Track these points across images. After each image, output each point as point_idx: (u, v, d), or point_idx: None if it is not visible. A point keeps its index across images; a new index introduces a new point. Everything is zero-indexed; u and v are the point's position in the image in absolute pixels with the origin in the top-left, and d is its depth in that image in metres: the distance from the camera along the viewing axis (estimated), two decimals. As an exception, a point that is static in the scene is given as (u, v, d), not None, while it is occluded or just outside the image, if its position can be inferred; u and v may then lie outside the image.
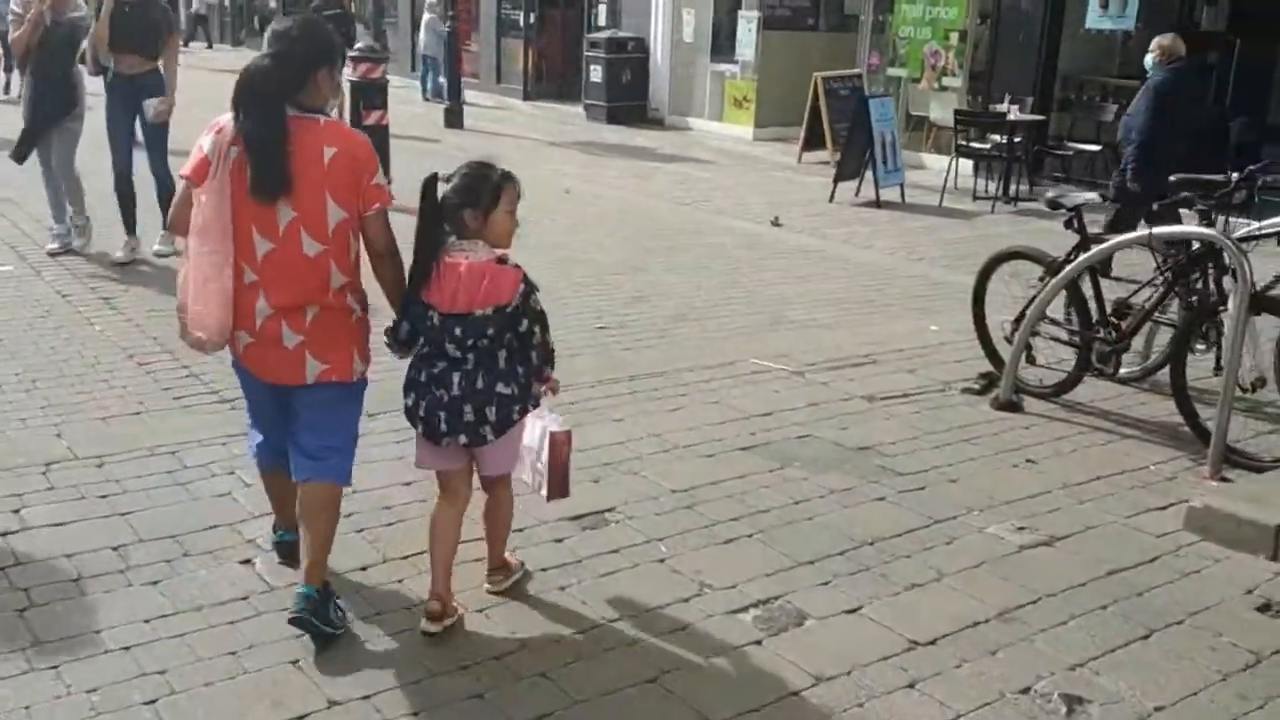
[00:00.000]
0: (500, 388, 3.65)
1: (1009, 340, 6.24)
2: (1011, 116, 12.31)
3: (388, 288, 3.75)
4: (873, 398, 6.16)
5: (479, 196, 3.60)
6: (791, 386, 6.32)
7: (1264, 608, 4.15)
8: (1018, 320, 6.20)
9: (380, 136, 11.33)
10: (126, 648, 3.63)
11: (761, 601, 4.06)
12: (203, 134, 3.59)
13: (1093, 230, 6.24)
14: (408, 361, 3.79)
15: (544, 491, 4.12)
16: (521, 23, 22.12)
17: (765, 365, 6.62)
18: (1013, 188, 12.52)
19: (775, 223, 11.01)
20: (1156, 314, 6.16)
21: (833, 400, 6.10)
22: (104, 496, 4.64)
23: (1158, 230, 5.49)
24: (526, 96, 21.94)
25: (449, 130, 17.40)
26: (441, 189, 3.63)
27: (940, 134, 14.71)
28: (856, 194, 12.40)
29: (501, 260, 3.64)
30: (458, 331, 3.58)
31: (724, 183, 13.51)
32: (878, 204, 12.04)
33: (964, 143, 12.54)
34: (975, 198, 12.50)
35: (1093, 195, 6.12)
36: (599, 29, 20.12)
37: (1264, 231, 5.80)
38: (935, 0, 14.56)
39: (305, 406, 3.73)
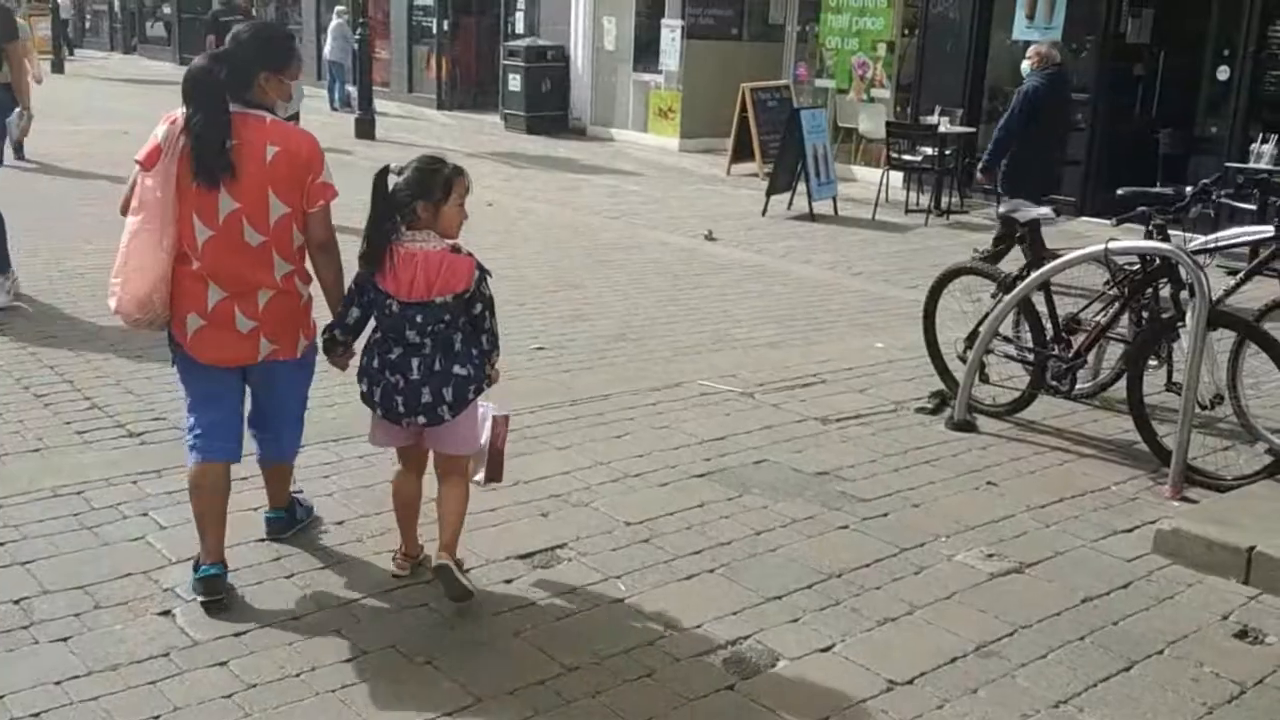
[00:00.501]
0: (456, 369, 3.85)
1: (962, 359, 6.10)
2: (942, 129, 12.27)
3: (326, 281, 3.99)
4: (826, 419, 5.98)
5: (431, 189, 3.80)
6: (742, 409, 6.12)
7: (1242, 634, 4.03)
8: (970, 338, 6.07)
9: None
10: (35, 715, 3.29)
11: (730, 642, 3.83)
12: (158, 124, 3.82)
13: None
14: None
15: (480, 476, 4.21)
16: (434, 30, 21.78)
17: (713, 386, 6.41)
18: (944, 200, 12.49)
19: (709, 237, 10.84)
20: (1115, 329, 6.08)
21: (786, 423, 5.91)
22: (1, 544, 4.27)
23: (1113, 245, 5.38)
24: (440, 106, 21.61)
25: (360, 141, 17.02)
26: (393, 180, 3.83)
27: (870, 146, 14.68)
28: (789, 207, 12.28)
29: (455, 249, 3.85)
30: (418, 319, 3.79)
31: (654, 195, 13.32)
32: (811, 217, 11.93)
33: (896, 155, 12.48)
34: (908, 210, 12.45)
35: (1046, 210, 6.01)
36: (516, 37, 19.86)
37: (1217, 245, 5.73)
38: (862, 10, 14.54)
39: (257, 387, 4.05)
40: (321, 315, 4.09)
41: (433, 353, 3.82)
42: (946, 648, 3.84)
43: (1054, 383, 5.78)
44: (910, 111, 13.75)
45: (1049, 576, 4.37)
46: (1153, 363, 5.91)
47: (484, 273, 3.87)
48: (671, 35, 17.11)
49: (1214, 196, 5.52)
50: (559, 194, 13.20)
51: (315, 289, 4.06)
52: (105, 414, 5.64)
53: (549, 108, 18.84)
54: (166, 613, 3.87)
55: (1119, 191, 6.11)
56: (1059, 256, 5.70)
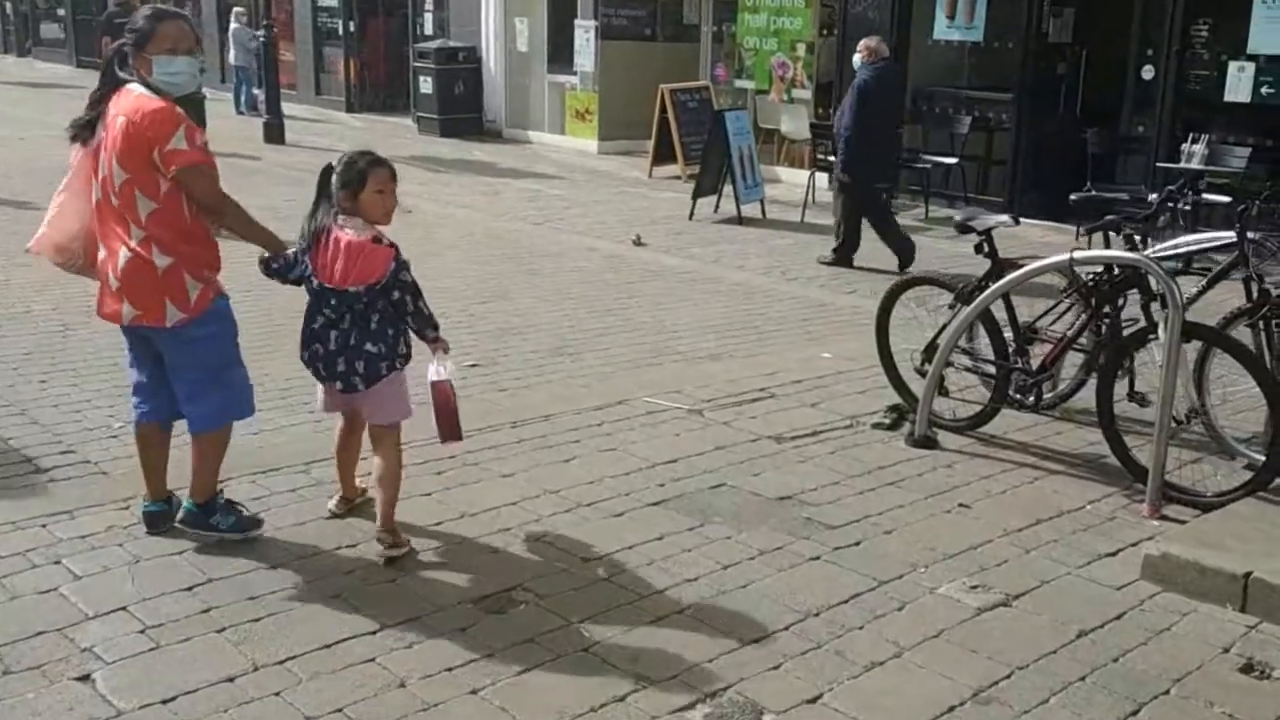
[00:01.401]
0: (368, 347, 4.16)
1: (919, 372, 5.85)
2: (870, 130, 12.06)
3: (237, 233, 4.22)
4: (781, 438, 5.68)
5: (350, 179, 4.13)
6: (691, 427, 5.80)
7: (1248, 668, 3.80)
8: (928, 350, 5.82)
9: (203, 155, 10.33)
10: (-67, 815, 2.85)
11: (709, 695, 3.50)
12: None
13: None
14: None
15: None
16: (341, 31, 21.18)
17: (660, 404, 6.08)
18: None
19: (638, 242, 10.51)
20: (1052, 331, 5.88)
21: (739, 442, 5.60)
22: (-105, 604, 3.80)
23: (1079, 254, 5.15)
24: (350, 108, 21.05)
25: (270, 146, 16.43)
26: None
27: (793, 147, 14.49)
28: (715, 210, 12.00)
29: (376, 239, 4.12)
30: (333, 301, 4.14)
31: (577, 199, 12.95)
32: (739, 220, 11.66)
33: (822, 156, 12.27)
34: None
35: (1005, 218, 5.76)
36: (426, 38, 19.34)
37: (1177, 252, 5.54)
38: (779, 10, 14.33)
39: (162, 353, 4.19)
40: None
41: (349, 328, 4.14)
42: (942, 695, 3.55)
43: (1018, 396, 5.55)
44: (833, 112, 13.54)
45: (1038, 609, 4.11)
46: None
47: (401, 265, 4.12)
48: (586, 36, 16.75)
49: (1180, 203, 5.32)
50: (479, 199, 12.77)
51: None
52: (7, 446, 5.14)
53: (462, 110, 18.37)
54: (85, 677, 3.46)
55: (1072, 197, 5.96)
56: (1019, 266, 5.47)
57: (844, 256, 9.85)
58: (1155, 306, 5.07)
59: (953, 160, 12.50)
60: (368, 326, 4.15)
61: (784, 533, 4.61)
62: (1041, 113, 12.35)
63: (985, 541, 4.63)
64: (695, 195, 11.91)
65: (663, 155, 14.51)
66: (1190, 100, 11.01)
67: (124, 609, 3.82)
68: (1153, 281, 5.03)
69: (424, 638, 3.73)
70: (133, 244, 4.01)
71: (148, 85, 4.03)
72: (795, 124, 14.19)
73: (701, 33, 16.50)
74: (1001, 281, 5.37)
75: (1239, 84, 10.54)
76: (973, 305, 5.42)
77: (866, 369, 6.83)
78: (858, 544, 4.55)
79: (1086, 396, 5.90)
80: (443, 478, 5.02)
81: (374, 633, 3.73)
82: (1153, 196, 5.50)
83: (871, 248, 9.96)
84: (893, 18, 12.95)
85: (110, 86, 4.08)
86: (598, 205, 12.66)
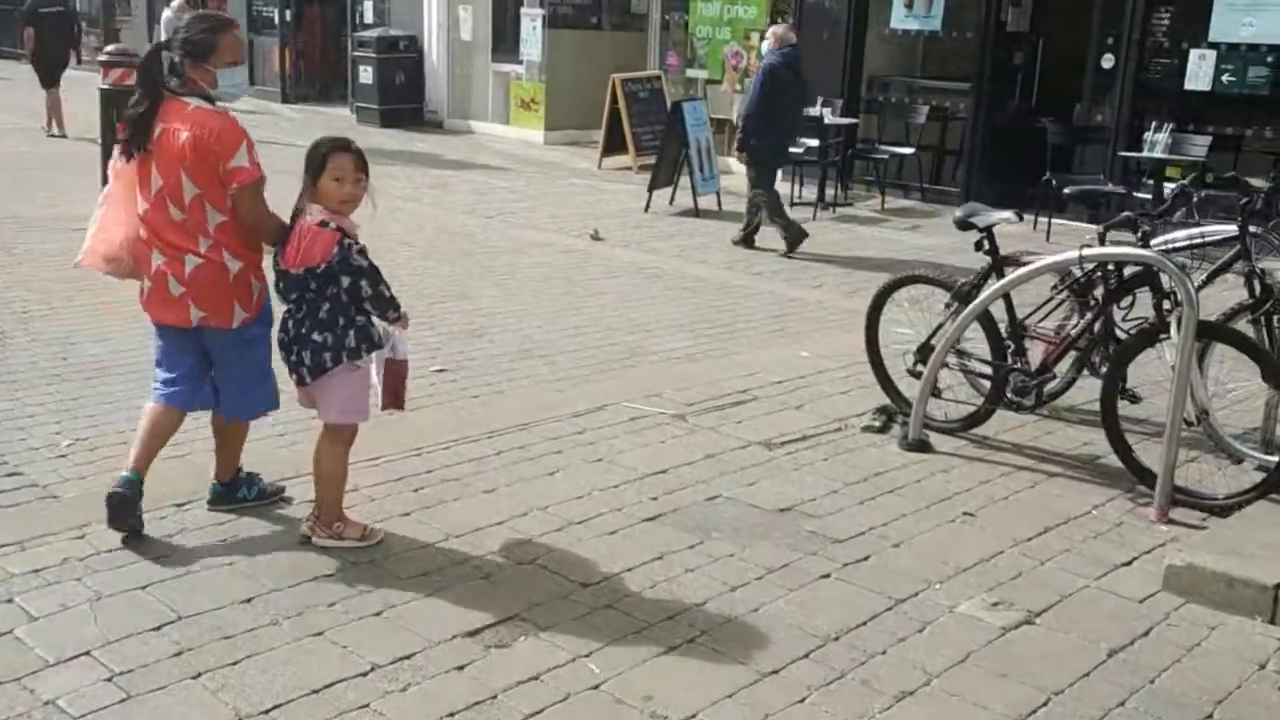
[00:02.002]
0: (315, 336, 4.04)
1: (913, 373, 5.65)
2: (828, 120, 11.89)
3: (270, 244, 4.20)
4: (771, 443, 5.45)
5: (310, 163, 4.06)
6: (677, 434, 5.54)
7: (1286, 686, 3.64)
8: (921, 351, 5.61)
9: (140, 150, 9.86)
10: None
11: (733, 735, 3.26)
12: None
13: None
14: None
15: (378, 402, 4.27)
16: (277, 20, 20.61)
17: (642, 409, 5.82)
18: (827, 193, 12.12)
19: (595, 236, 10.23)
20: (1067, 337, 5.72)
21: (728, 449, 5.36)
22: None
23: (1088, 251, 4.96)
24: (286, 99, 20.48)
25: (207, 138, 15.85)
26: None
27: (745, 137, 14.25)
28: (671, 202, 11.76)
29: (323, 224, 3.99)
30: (281, 284, 4.11)
31: (529, 192, 12.63)
32: (696, 213, 11.41)
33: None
34: (792, 204, 12.02)
35: (1008, 214, 5.54)
36: (366, 27, 18.88)
37: (1177, 245, 5.38)
38: (733, -1, 14.11)
39: (213, 349, 4.25)
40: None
41: (302, 316, 4.06)
42: (979, 725, 3.34)
43: (1017, 398, 5.36)
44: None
45: (1063, 626, 3.92)
46: (1104, 369, 5.57)
47: (346, 250, 3.97)
48: (533, 24, 16.40)
49: (1194, 198, 5.15)
50: (427, 192, 12.41)
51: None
52: (-59, 471, 4.76)
53: (403, 100, 17.93)
54: (44, 735, 3.12)
55: (1066, 191, 5.77)
56: (1019, 263, 5.28)
57: (748, 239, 10.12)
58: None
59: (909, 150, 12.34)
60: (316, 315, 4.04)
61: (788, 548, 4.38)
62: (998, 102, 12.24)
63: (997, 553, 4.43)
64: (651, 187, 11.65)
65: (613, 146, 14.22)
66: (1150, 89, 10.94)
67: (88, 653, 3.48)
68: (1164, 279, 4.86)
69: (420, 679, 3.44)
70: (203, 251, 4.09)
71: (205, 96, 4.08)
72: (748, 114, 13.94)
73: (650, 21, 16.25)
74: (1005, 280, 5.17)
75: (1199, 72, 10.48)
76: (973, 305, 5.22)
77: (846, 367, 6.64)
78: (866, 559, 4.33)
79: (1072, 395, 5.76)
80: (420, 495, 4.72)
81: (365, 674, 3.44)
82: (1168, 189, 5.32)
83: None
84: (850, 7, 12.75)
85: (157, 97, 4.08)
86: (549, 198, 12.35)
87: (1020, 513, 4.80)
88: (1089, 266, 5.29)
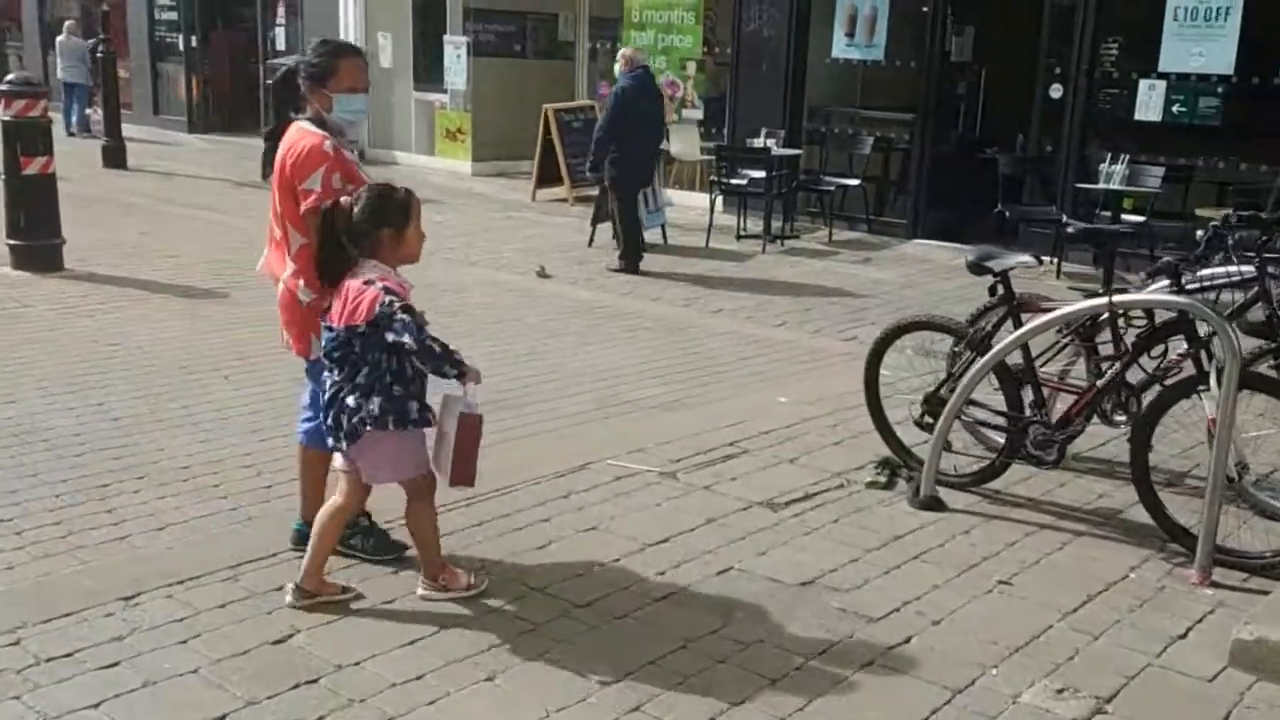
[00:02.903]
0: (349, 399, 3.81)
1: (920, 424, 5.28)
2: (776, 151, 11.58)
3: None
4: (774, 504, 5.03)
5: (388, 214, 3.79)
6: (671, 494, 5.10)
7: (1390, 779, 3.30)
8: (929, 401, 5.25)
9: (44, 188, 9.13)
10: None
11: None
12: None
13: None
14: None
15: (447, 475, 3.95)
16: (182, 46, 19.84)
17: (628, 467, 5.37)
18: (773, 225, 11.79)
19: (542, 273, 9.77)
20: (1067, 380, 5.42)
21: (729, 511, 4.93)
22: None
23: (1119, 298, 4.63)
24: (193, 129, 19.76)
25: (111, 171, 15.16)
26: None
27: (684, 168, 13.94)
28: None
29: (368, 282, 3.74)
30: (323, 342, 3.90)
31: (464, 227, 12.10)
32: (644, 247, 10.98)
33: (724, 179, 11.72)
34: (739, 236, 11.71)
35: (1026, 257, 5.19)
36: (278, 54, 18.19)
37: (1213, 284, 5.05)
38: (668, 28, 13.78)
39: (310, 379, 4.26)
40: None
41: (341, 378, 3.85)
42: (1079, 844, 2.94)
43: (1037, 452, 5.00)
44: (727, 133, 13.05)
45: (1137, 715, 3.54)
46: (1120, 418, 5.26)
47: (389, 306, 3.68)
48: (457, 52, 15.91)
49: (1229, 239, 4.85)
50: (356, 227, 11.81)
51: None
52: None
53: (321, 129, 17.27)
54: None
55: (1069, 229, 5.42)
56: (1039, 308, 4.94)
57: (631, 264, 10.06)
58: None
59: (855, 182, 12.09)
60: (354, 378, 3.81)
61: (821, 630, 3.95)
62: (943, 133, 12.05)
63: (1045, 628, 4.05)
64: (594, 221, 11.21)
65: (547, 177, 13.79)
66: (1100, 119, 10.81)
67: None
68: (1201, 327, 4.55)
69: (437, 812, 2.94)
70: (285, 276, 4.08)
71: (320, 120, 4.07)
72: (685, 145, 13.64)
73: (578, 50, 15.87)
74: (1026, 327, 4.82)
75: (1150, 103, 10.38)
76: (991, 353, 4.86)
77: (831, 414, 6.27)
78: (908, 641, 3.91)
79: (1079, 443, 5.45)
80: (402, 579, 4.21)
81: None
82: (1199, 233, 5.01)
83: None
84: (789, 35, 12.49)
85: (285, 120, 4.16)
86: (486, 232, 11.86)
87: (1057, 579, 4.43)
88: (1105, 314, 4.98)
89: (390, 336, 3.69)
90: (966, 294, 9.44)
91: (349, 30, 17.30)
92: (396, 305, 3.69)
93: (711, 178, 12.30)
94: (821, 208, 12.26)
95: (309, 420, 4.25)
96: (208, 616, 3.85)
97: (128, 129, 17.46)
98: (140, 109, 20.30)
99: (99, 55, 16.23)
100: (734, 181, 11.65)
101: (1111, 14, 10.65)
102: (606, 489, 5.12)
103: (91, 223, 11.39)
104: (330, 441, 3.94)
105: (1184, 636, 4.05)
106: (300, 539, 4.19)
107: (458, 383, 3.84)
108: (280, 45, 18.55)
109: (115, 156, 15.53)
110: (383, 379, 3.79)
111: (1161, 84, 10.30)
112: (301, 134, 4.03)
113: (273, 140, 4.21)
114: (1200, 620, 4.15)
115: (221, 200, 13.18)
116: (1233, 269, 5.05)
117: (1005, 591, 4.33)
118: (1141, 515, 4.85)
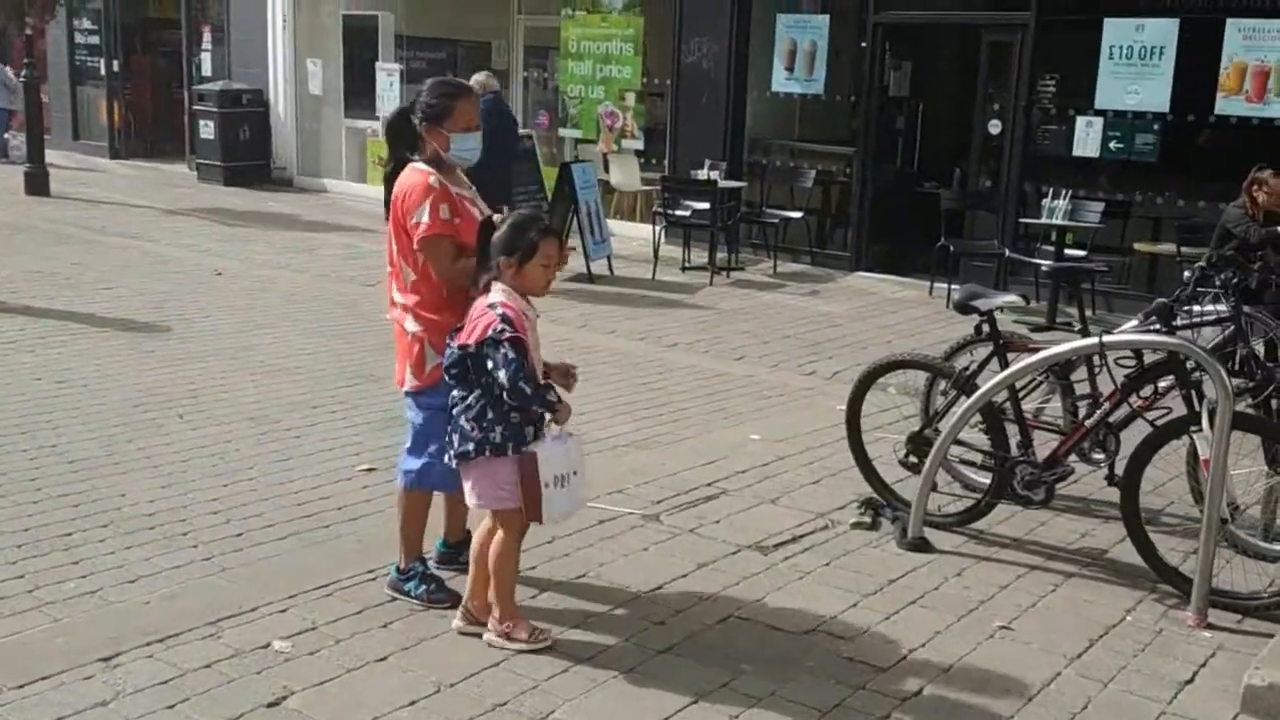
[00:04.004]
0: (461, 419, 3.86)
1: (904, 464, 5.25)
2: (722, 184, 11.57)
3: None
4: (762, 547, 4.96)
5: (514, 246, 3.84)
6: (657, 538, 5.00)
7: None
8: (913, 441, 5.22)
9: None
10: None
11: None
12: None
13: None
14: None
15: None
16: (103, 70, 19.34)
17: (610, 510, 5.25)
18: (718, 257, 11.77)
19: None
20: (1045, 419, 5.43)
21: (719, 556, 4.84)
22: None
23: (1109, 338, 4.64)
24: (114, 154, 19.24)
25: (33, 198, 14.69)
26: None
27: (624, 199, 13.88)
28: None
29: (491, 306, 3.80)
30: (441, 359, 3.96)
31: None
32: (590, 279, 10.89)
33: (669, 211, 11.67)
34: (684, 268, 11.67)
35: (1012, 297, 5.17)
36: (205, 80, 17.82)
37: (1200, 321, 5.08)
38: (606, 58, 13.73)
39: (406, 410, 4.33)
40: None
41: (460, 396, 3.88)
42: None
43: (1025, 492, 4.99)
44: (668, 165, 13.02)
45: (1160, 765, 3.51)
46: (1099, 455, 5.28)
47: (499, 333, 3.72)
48: (389, 79, 15.71)
49: (1218, 280, 4.89)
50: (293, 257, 11.57)
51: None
52: None
53: (248, 156, 16.95)
54: None
55: (1044, 268, 5.46)
56: (1026, 348, 4.94)
57: None
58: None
59: (798, 214, 12.12)
60: (465, 398, 3.86)
61: (831, 680, 3.87)
62: (881, 166, 12.14)
63: (1053, 675, 4.01)
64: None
65: (485, 207, 13.61)
66: (1039, 155, 10.96)
67: None
68: (1192, 368, 4.57)
69: None
70: (395, 309, 4.20)
71: (436, 160, 4.13)
72: (625, 175, 13.59)
73: (512, 79, 15.76)
74: (1014, 368, 4.81)
75: (1087, 139, 10.56)
76: (977, 394, 4.84)
77: (804, 452, 6.24)
78: (919, 693, 3.85)
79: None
80: (391, 632, 4.05)
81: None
82: (1186, 274, 5.05)
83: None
84: (729, 68, 12.52)
85: (402, 161, 4.19)
86: (428, 263, 11.65)
87: (1056, 623, 4.40)
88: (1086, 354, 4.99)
89: (489, 364, 3.73)
90: (917, 328, 9.52)
91: (277, 56, 17.03)
92: (506, 335, 3.70)
93: (655, 209, 12.25)
94: (765, 240, 12.28)
95: (414, 458, 4.22)
96: (194, 678, 3.66)
97: (48, 155, 16.99)
98: (59, 134, 19.72)
99: (22, 80, 15.73)
100: (678, 213, 11.60)
101: (1048, 51, 10.83)
102: (590, 533, 5.00)
103: (20, 251, 11.01)
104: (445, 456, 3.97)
105: (1191, 681, 4.04)
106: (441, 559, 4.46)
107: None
108: (206, 71, 18.16)
109: (38, 183, 15.06)
110: (496, 403, 3.79)
111: (1099, 120, 10.48)
112: (411, 173, 4.13)
113: (391, 182, 4.21)
114: (1204, 664, 4.15)
115: (151, 229, 12.81)
116: (1209, 309, 5.10)
117: (1006, 636, 4.29)
118: (1127, 554, 4.87)
